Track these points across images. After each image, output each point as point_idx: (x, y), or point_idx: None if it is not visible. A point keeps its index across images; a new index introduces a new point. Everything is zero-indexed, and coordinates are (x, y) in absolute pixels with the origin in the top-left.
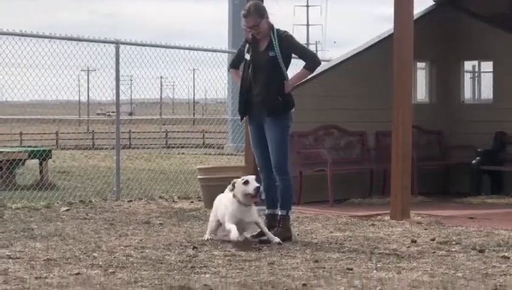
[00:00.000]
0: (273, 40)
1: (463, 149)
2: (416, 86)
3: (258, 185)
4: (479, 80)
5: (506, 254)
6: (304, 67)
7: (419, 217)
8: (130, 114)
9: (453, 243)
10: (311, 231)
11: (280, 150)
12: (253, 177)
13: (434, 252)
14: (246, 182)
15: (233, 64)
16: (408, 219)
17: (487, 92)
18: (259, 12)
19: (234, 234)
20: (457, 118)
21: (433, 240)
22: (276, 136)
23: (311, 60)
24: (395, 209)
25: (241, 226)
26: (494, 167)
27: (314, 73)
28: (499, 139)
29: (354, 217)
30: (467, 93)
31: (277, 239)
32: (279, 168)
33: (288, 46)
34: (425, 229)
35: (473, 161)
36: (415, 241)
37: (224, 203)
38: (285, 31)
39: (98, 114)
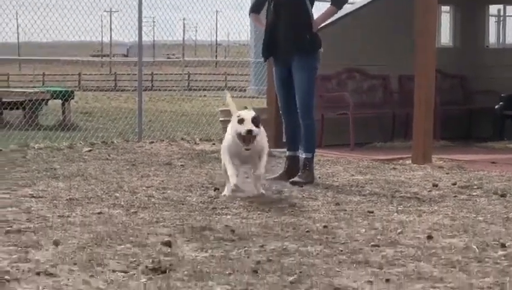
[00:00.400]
0: None
1: (486, 94)
2: (440, 30)
3: (250, 128)
4: (503, 24)
5: None
6: (332, 4)
7: (441, 162)
8: (126, 56)
9: (475, 187)
10: (332, 174)
11: (307, 93)
12: (252, 115)
13: (455, 196)
14: (241, 121)
15: (254, 8)
16: (430, 163)
17: None
18: None
19: (228, 189)
20: (481, 63)
21: (454, 184)
22: (303, 78)
23: None
24: (417, 153)
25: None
26: None
27: (338, 16)
28: None
29: (375, 160)
30: (492, 38)
31: (260, 191)
32: (305, 111)
33: None
34: (446, 174)
35: (496, 106)
36: (437, 185)
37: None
38: None
39: (92, 56)
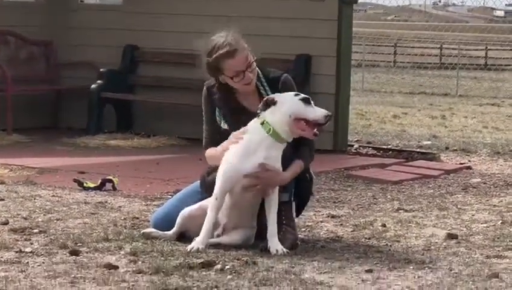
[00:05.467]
0: (262, 89)
1: (80, 68)
2: None
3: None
4: None
5: None
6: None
7: (7, 170)
8: None
9: None
10: None
11: None
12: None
13: None
14: (307, 101)
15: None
16: None
17: None
18: (243, 43)
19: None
20: (73, 24)
21: None
22: None
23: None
24: None
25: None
26: (121, 95)
27: None
28: (130, 55)
29: None
30: None
31: (279, 247)
32: None
33: None
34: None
35: (93, 86)
36: None
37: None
38: (283, 74)
39: None
